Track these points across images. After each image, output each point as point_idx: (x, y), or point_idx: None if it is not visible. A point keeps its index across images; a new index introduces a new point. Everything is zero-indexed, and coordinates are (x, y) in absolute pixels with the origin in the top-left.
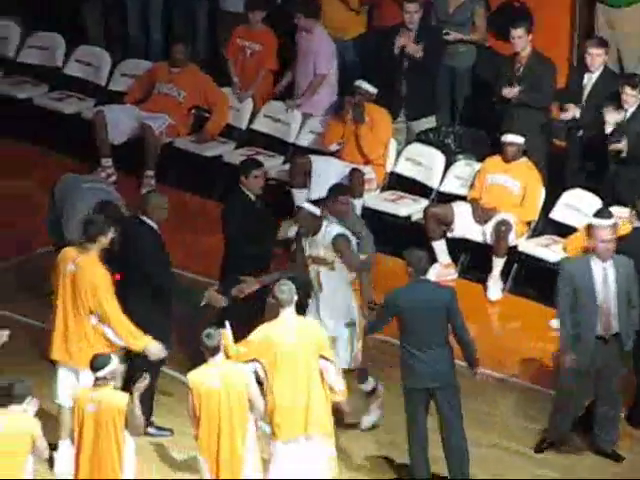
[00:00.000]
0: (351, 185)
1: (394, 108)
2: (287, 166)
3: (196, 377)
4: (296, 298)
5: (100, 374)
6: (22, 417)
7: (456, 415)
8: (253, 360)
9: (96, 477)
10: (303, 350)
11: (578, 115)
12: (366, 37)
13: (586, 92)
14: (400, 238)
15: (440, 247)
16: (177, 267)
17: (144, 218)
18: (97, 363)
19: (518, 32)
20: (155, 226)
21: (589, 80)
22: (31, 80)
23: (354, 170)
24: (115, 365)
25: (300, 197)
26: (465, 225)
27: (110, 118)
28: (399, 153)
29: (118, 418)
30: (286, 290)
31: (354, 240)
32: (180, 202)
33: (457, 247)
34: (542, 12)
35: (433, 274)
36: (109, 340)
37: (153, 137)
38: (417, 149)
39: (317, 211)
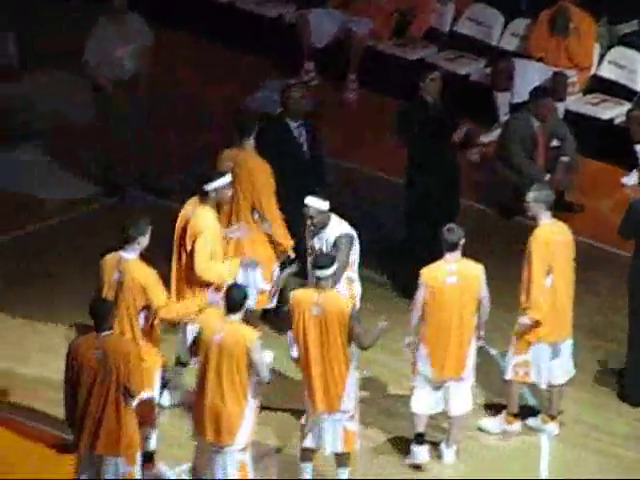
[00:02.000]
0: (554, 88)
1: (596, 12)
2: (490, 69)
3: (431, 273)
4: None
5: (322, 273)
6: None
7: None
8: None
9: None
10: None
11: None
12: None
13: None
14: (602, 141)
15: None
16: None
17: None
18: (321, 262)
19: None
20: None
21: None
22: None
23: (557, 73)
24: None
25: (503, 100)
26: None
27: (313, 21)
28: (602, 56)
29: (344, 320)
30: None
31: (356, 243)
32: (381, 104)
33: None
34: None
35: (634, 179)
36: None
37: (356, 41)
38: (620, 52)
39: (325, 206)
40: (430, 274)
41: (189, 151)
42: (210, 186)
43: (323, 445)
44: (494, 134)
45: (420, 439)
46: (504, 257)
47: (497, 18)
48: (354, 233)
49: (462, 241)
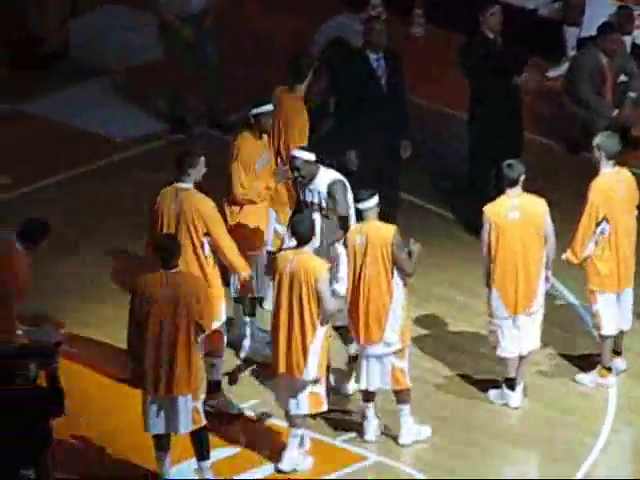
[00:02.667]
0: (620, 22)
1: None
2: (560, 4)
3: (494, 209)
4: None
5: (364, 205)
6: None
7: None
8: None
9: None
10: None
11: None
12: None
13: None
14: None
15: None
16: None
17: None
18: (362, 195)
19: None
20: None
21: None
22: None
23: (623, 7)
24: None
25: (572, 34)
26: None
27: None
28: None
29: (386, 249)
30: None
31: (349, 190)
32: (447, 39)
33: None
34: None
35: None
36: None
37: None
38: None
39: (312, 157)
40: (493, 210)
41: (256, 87)
42: None
43: (372, 383)
44: (562, 68)
45: (512, 383)
46: (570, 193)
47: None
48: (344, 179)
49: (522, 177)
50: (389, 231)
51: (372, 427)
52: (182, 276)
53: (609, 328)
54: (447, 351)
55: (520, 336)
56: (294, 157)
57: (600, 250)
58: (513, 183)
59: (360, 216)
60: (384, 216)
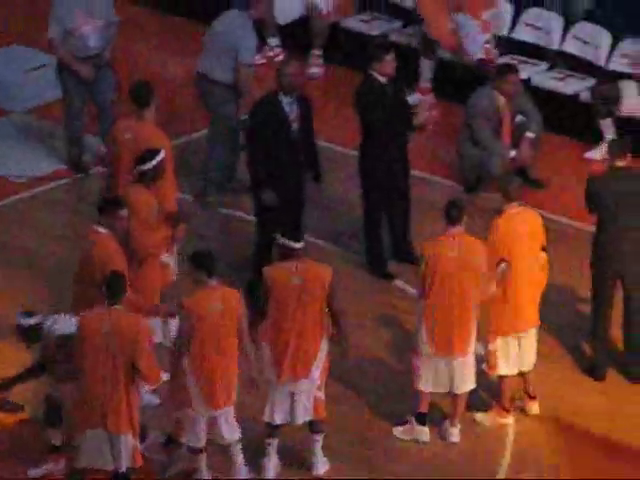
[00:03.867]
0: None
1: None
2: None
3: (433, 245)
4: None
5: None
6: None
7: None
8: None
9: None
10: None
11: None
12: None
13: None
14: (566, 116)
15: (607, 125)
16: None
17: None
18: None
19: None
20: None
21: None
22: None
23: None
24: None
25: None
26: (632, 104)
27: None
28: (566, 32)
29: (323, 290)
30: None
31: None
32: (348, 80)
33: (624, 126)
34: None
35: (598, 154)
36: None
37: (320, 16)
38: (584, 28)
39: None
40: (431, 246)
41: None
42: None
43: (295, 418)
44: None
45: (422, 418)
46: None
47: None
48: None
49: (463, 215)
50: (327, 271)
51: (274, 463)
52: (124, 315)
53: (503, 368)
54: (370, 393)
55: (449, 375)
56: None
57: (501, 291)
58: (454, 221)
59: (292, 255)
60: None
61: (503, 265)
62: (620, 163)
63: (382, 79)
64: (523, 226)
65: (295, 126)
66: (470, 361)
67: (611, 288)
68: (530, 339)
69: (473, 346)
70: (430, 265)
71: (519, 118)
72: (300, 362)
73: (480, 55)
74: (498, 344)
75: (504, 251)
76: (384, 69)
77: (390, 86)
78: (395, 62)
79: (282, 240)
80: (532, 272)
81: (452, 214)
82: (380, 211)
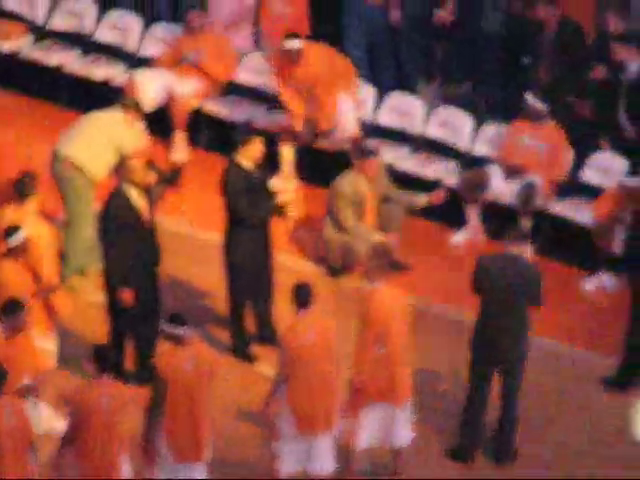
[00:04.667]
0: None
1: (429, 71)
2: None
3: (288, 332)
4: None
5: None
6: None
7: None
8: None
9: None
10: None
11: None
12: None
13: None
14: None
15: (472, 211)
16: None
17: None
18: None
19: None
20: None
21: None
22: (61, 44)
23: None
24: None
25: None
26: (497, 189)
27: (141, 84)
28: (429, 115)
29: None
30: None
31: None
32: (212, 165)
33: (488, 210)
34: None
35: (462, 238)
36: None
37: (181, 102)
38: (447, 111)
39: None
40: (287, 333)
41: None
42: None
43: None
44: None
45: None
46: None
47: None
48: None
49: (312, 297)
50: (214, 355)
51: None
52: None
53: (361, 442)
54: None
55: (311, 455)
56: None
57: (372, 367)
58: (304, 305)
59: (180, 341)
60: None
61: (378, 342)
62: (512, 249)
63: (248, 165)
64: (391, 306)
65: (146, 217)
66: (331, 441)
67: (488, 372)
68: (404, 413)
69: (336, 424)
70: (289, 349)
71: (383, 200)
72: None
73: (350, 135)
74: (360, 417)
75: (375, 328)
76: (250, 154)
77: (256, 172)
78: (261, 147)
79: (168, 327)
80: (404, 346)
81: (301, 298)
82: (244, 296)
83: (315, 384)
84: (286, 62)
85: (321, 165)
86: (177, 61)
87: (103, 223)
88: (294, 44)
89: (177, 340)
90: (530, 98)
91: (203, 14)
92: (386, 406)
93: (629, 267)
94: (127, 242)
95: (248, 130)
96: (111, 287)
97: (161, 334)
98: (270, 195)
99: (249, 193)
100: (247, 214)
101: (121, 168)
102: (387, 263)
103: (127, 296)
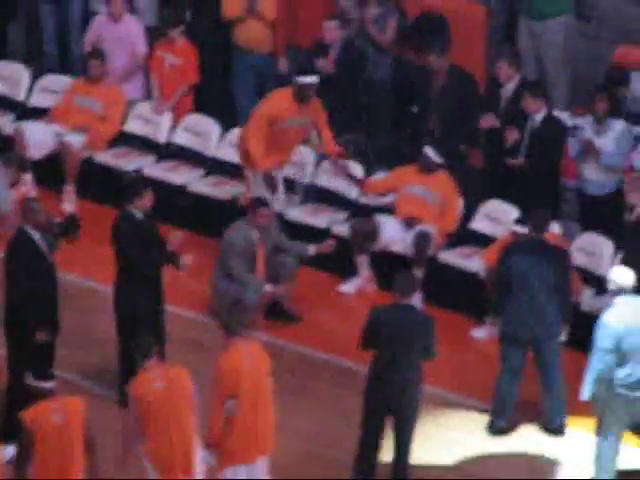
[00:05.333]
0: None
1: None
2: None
3: (137, 385)
4: None
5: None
6: None
7: None
8: None
9: None
10: None
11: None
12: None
13: (503, 103)
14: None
15: (362, 260)
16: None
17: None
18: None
19: (431, 58)
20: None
21: (505, 92)
22: None
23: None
24: None
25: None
26: (388, 238)
27: (29, 134)
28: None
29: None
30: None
31: None
32: (102, 216)
33: (379, 259)
34: (457, 24)
35: (352, 288)
36: None
37: (72, 153)
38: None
39: None
40: (136, 385)
41: None
42: None
43: None
44: None
45: None
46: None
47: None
48: None
49: (154, 349)
50: (81, 405)
51: None
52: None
53: None
54: None
55: None
56: None
57: (229, 426)
58: (147, 356)
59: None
60: None
61: (230, 402)
62: (403, 299)
63: (139, 214)
64: (249, 360)
65: (48, 260)
66: None
67: (381, 420)
68: (261, 470)
69: (195, 471)
70: (140, 406)
71: (275, 251)
72: None
73: None
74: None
75: (228, 386)
76: (143, 204)
77: (146, 221)
78: (151, 196)
79: (32, 381)
80: (264, 404)
81: (141, 350)
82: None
83: (171, 432)
84: (298, 98)
85: (212, 216)
86: (70, 110)
87: (9, 266)
88: (311, 79)
89: (43, 394)
90: (429, 151)
91: (102, 63)
92: (250, 467)
93: None
94: (34, 283)
95: (140, 179)
96: (23, 328)
97: (28, 389)
98: (162, 244)
99: (141, 242)
100: (140, 262)
101: (24, 210)
102: (248, 318)
103: (42, 335)
